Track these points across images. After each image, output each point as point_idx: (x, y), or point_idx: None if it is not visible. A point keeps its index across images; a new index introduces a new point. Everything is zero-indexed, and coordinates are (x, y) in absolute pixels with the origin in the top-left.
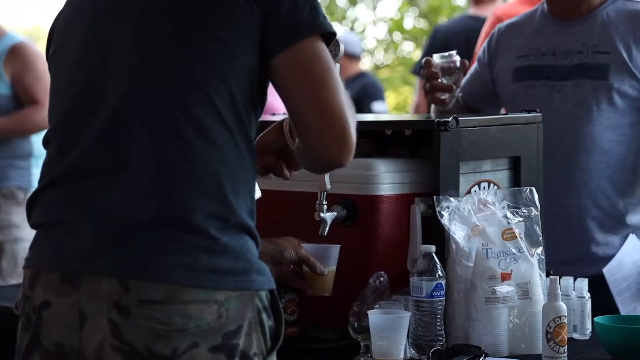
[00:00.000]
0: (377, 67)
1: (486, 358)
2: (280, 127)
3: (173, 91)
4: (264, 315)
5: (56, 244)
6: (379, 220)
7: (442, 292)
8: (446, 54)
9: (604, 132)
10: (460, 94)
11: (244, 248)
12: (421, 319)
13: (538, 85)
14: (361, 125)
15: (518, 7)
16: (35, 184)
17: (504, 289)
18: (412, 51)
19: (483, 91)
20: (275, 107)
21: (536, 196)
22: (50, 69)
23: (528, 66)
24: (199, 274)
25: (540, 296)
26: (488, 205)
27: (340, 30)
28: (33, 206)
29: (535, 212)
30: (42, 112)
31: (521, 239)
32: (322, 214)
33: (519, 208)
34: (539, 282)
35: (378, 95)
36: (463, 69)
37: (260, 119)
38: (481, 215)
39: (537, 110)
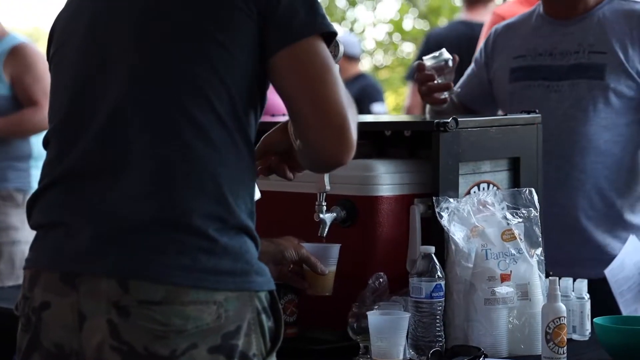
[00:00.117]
0: (376, 68)
1: (485, 359)
2: (285, 128)
3: (172, 92)
4: (264, 316)
5: (56, 245)
6: (379, 221)
7: (442, 293)
8: (436, 53)
9: (601, 132)
10: (454, 94)
11: (243, 249)
12: (420, 319)
13: (534, 85)
14: (360, 126)
15: (517, 7)
16: (34, 186)
17: (503, 290)
18: (412, 52)
19: (480, 92)
20: (275, 108)
21: (535, 197)
22: (50, 70)
23: (525, 66)
24: (198, 275)
25: (539, 297)
26: (487, 206)
27: (339, 31)
28: (33, 207)
29: (534, 213)
30: (41, 114)
31: (521, 240)
32: (321, 215)
33: (519, 209)
34: (538, 283)
35: (377, 96)
36: (454, 65)
37: (260, 120)
38: (481, 216)
39: (537, 111)
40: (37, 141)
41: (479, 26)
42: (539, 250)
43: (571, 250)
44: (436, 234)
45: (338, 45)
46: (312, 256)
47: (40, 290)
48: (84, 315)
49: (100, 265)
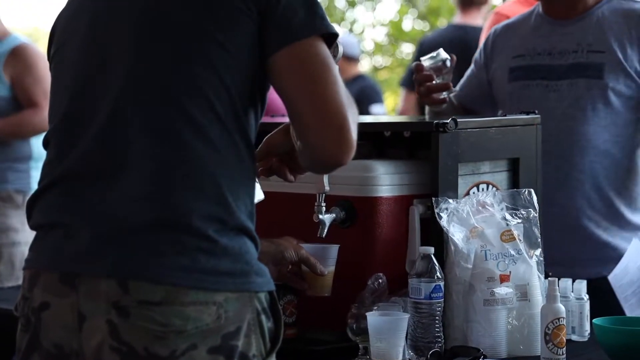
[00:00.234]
0: (376, 69)
1: None
2: (287, 129)
3: (172, 92)
4: (263, 317)
5: (55, 245)
6: (378, 222)
7: (441, 294)
8: (434, 53)
9: (599, 131)
10: (454, 96)
11: (243, 249)
12: (420, 320)
13: (533, 85)
14: (360, 126)
15: (519, 7)
16: (34, 187)
17: (502, 290)
18: (411, 53)
19: (479, 93)
20: (275, 108)
21: (535, 198)
22: (51, 69)
23: (523, 66)
24: (197, 276)
25: (538, 298)
26: (487, 206)
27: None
28: (33, 207)
29: (533, 214)
30: (41, 115)
31: (520, 240)
32: (320, 216)
33: (518, 210)
34: (537, 283)
35: (376, 97)
36: (453, 64)
37: (261, 121)
38: (480, 216)
39: (536, 111)
40: (37, 142)
41: (473, 29)
42: (538, 251)
43: (570, 249)
44: (435, 235)
45: (337, 46)
46: (312, 257)
47: (39, 291)
48: (84, 315)
49: (100, 265)
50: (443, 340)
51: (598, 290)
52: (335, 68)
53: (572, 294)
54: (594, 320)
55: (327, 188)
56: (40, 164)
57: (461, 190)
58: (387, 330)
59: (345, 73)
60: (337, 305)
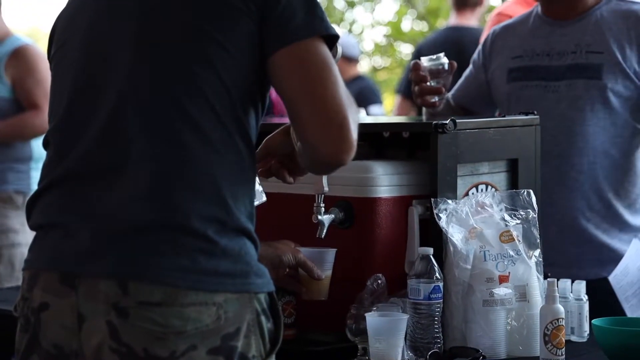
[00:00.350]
0: (375, 70)
1: None
2: (288, 130)
3: (172, 92)
4: (263, 318)
5: (55, 246)
6: (377, 223)
7: (440, 295)
8: (434, 56)
9: (598, 132)
10: (450, 96)
11: (243, 250)
12: (419, 321)
13: (532, 85)
14: (359, 127)
15: (519, 8)
16: (34, 188)
17: (501, 291)
18: (410, 54)
19: (478, 93)
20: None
21: (534, 198)
22: (51, 69)
23: (522, 67)
24: (197, 277)
25: (538, 298)
26: (486, 207)
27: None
28: (33, 208)
29: (532, 215)
30: (42, 117)
31: (519, 241)
32: (319, 217)
33: (517, 210)
34: (536, 284)
35: (374, 98)
36: (451, 71)
37: (269, 121)
38: (479, 217)
39: (535, 112)
40: (37, 143)
41: (468, 30)
42: (537, 252)
43: (569, 250)
44: (434, 236)
45: (336, 46)
46: (309, 261)
47: (39, 291)
48: (83, 316)
49: (100, 266)
50: (442, 341)
51: (597, 290)
52: (336, 68)
53: (571, 294)
54: (593, 321)
55: (326, 189)
56: (40, 165)
57: (460, 191)
58: (386, 331)
59: (344, 74)
60: (336, 305)
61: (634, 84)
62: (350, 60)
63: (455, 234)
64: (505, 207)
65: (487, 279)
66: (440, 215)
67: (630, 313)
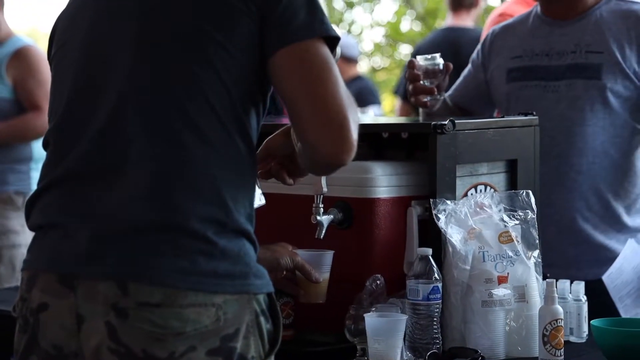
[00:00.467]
0: (374, 70)
1: None
2: (288, 131)
3: (171, 93)
4: (262, 319)
5: (54, 246)
6: (376, 223)
7: (439, 295)
8: (429, 56)
9: (597, 132)
10: (447, 96)
11: (242, 251)
12: (418, 322)
13: (531, 85)
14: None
15: (517, 7)
16: (34, 189)
17: (500, 292)
18: (409, 54)
19: (476, 93)
20: None
21: (533, 199)
22: (51, 69)
23: (521, 67)
24: (196, 278)
25: (536, 299)
26: (485, 208)
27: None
28: (32, 208)
29: (531, 215)
30: (43, 118)
31: (518, 242)
32: (318, 217)
33: (516, 211)
34: (535, 285)
35: (373, 99)
36: (446, 72)
37: (274, 122)
38: (478, 218)
39: (534, 113)
40: (37, 143)
41: (464, 31)
42: (536, 253)
43: (568, 251)
44: (433, 236)
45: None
46: (307, 264)
47: (38, 292)
48: (82, 316)
49: (99, 267)
50: (441, 342)
51: (596, 291)
52: (336, 68)
53: (570, 295)
54: (591, 322)
55: (324, 189)
56: (40, 166)
57: (459, 191)
58: (385, 332)
59: (343, 74)
60: (334, 306)
61: (633, 84)
62: (349, 60)
63: (454, 235)
64: (504, 207)
65: (486, 280)
66: (439, 215)
67: (624, 313)
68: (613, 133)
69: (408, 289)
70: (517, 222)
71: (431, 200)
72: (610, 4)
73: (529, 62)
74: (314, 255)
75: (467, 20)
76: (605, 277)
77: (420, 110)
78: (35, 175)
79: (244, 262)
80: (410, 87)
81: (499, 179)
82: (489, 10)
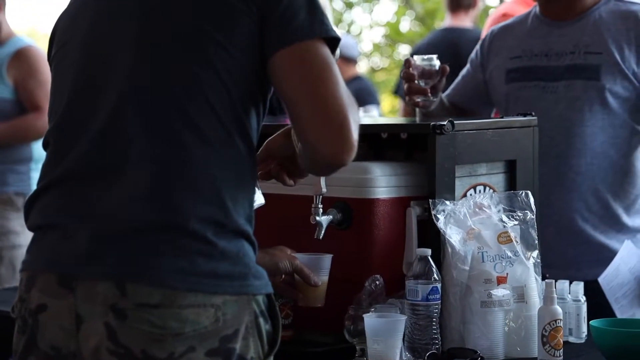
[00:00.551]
0: (373, 70)
1: None
2: (289, 132)
3: (172, 93)
4: (261, 320)
5: (53, 247)
6: (375, 224)
7: (438, 296)
8: (426, 56)
9: (596, 133)
10: (445, 95)
11: (242, 252)
12: (417, 322)
13: (530, 86)
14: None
15: (517, 7)
16: (34, 189)
17: (499, 292)
18: (408, 54)
19: (475, 93)
20: None
21: (532, 199)
22: (51, 69)
23: (520, 67)
24: (195, 278)
25: (536, 300)
26: (484, 208)
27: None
28: (31, 208)
29: (530, 216)
30: (44, 119)
31: (517, 242)
32: (317, 218)
33: (515, 211)
34: (534, 285)
35: (372, 99)
36: (443, 74)
37: (277, 122)
38: (477, 218)
39: (532, 113)
40: (37, 144)
41: (463, 31)
42: (535, 253)
43: (567, 251)
44: (432, 237)
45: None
46: (306, 268)
47: (36, 293)
48: (81, 317)
49: (98, 267)
50: (440, 342)
51: (595, 292)
52: (337, 68)
53: (569, 295)
54: (591, 322)
55: (324, 190)
56: (40, 166)
57: (458, 192)
58: (384, 332)
59: (342, 74)
60: (334, 307)
61: (632, 84)
62: (349, 60)
63: (453, 235)
64: (503, 208)
65: (485, 280)
66: (439, 216)
67: (620, 314)
68: (612, 134)
69: (407, 290)
70: (516, 222)
71: (430, 200)
72: (609, 5)
73: (528, 62)
74: (313, 259)
75: (465, 21)
76: (601, 279)
77: (417, 110)
78: (35, 175)
79: (243, 262)
80: (405, 86)
81: (498, 180)
82: (487, 10)
